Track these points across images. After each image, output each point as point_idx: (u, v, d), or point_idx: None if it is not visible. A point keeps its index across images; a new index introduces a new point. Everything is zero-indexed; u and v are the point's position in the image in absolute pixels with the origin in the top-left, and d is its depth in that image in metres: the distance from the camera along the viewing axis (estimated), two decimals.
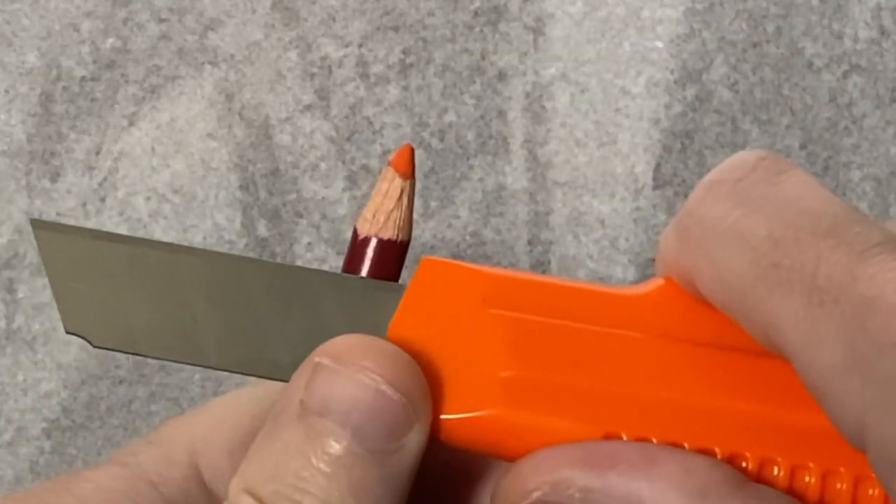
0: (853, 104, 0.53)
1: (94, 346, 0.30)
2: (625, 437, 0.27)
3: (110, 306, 0.30)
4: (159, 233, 0.55)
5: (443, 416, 0.28)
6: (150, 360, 0.54)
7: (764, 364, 0.27)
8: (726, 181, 0.27)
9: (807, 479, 0.27)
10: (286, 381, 0.28)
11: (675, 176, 0.53)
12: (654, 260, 0.53)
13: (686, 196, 0.53)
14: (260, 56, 0.55)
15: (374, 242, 0.30)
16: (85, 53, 0.55)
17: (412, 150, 0.30)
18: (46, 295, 0.55)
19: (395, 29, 0.55)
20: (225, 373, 0.56)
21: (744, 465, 0.27)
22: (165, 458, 0.31)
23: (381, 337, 0.28)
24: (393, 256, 0.30)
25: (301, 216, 0.54)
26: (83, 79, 0.55)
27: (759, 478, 0.26)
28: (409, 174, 0.30)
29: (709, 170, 0.56)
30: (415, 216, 0.54)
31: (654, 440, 0.27)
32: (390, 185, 0.30)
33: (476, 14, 0.54)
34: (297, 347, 0.29)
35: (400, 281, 0.30)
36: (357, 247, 0.30)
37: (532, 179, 0.54)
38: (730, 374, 0.27)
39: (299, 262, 0.54)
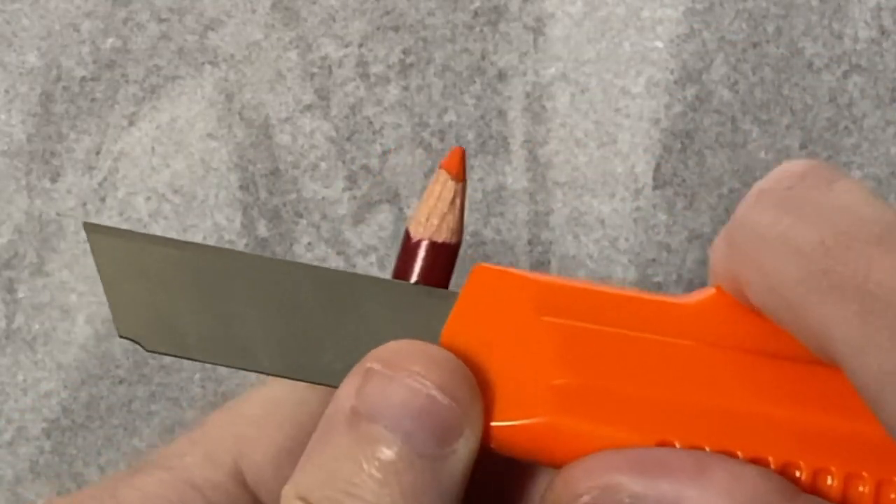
0: (853, 104, 0.53)
1: (147, 351, 0.30)
2: (677, 446, 0.27)
3: (163, 311, 0.30)
4: (159, 233, 0.55)
5: (493, 424, 0.28)
6: (149, 360, 0.54)
7: (816, 372, 0.27)
8: (776, 189, 0.26)
9: (861, 488, 0.26)
10: (337, 386, 0.28)
11: (675, 176, 0.53)
12: (654, 260, 0.53)
13: (686, 196, 0.53)
14: (260, 56, 0.55)
15: (426, 245, 0.30)
16: (85, 53, 0.55)
17: (463, 153, 0.30)
18: (47, 295, 0.55)
19: (395, 29, 0.55)
20: (226, 372, 0.56)
21: (797, 474, 0.26)
22: (210, 460, 0.31)
23: (434, 343, 0.28)
24: (445, 259, 0.30)
25: (301, 216, 0.54)
26: (83, 79, 0.55)
27: (812, 488, 0.26)
28: (462, 176, 0.30)
29: (709, 170, 0.57)
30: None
31: (707, 449, 0.27)
32: (443, 187, 0.30)
33: (476, 14, 0.54)
34: (349, 353, 0.29)
35: (450, 283, 0.30)
36: (409, 249, 0.30)
37: (532, 179, 0.54)
38: (782, 383, 0.27)
39: None
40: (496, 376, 0.28)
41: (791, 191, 0.26)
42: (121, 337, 0.29)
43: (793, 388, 0.27)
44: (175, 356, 0.30)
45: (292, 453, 0.28)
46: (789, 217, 0.26)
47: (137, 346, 0.29)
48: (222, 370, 0.54)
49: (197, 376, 0.54)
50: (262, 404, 0.32)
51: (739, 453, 0.27)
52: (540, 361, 0.28)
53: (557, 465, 0.28)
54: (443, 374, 0.27)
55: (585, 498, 0.27)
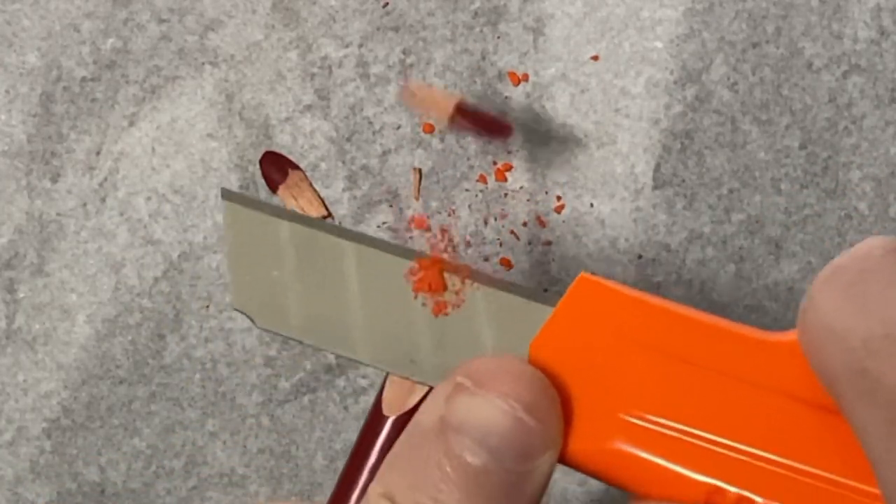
0: (853, 104, 0.53)
1: (257, 327, 0.30)
2: (730, 491, 0.27)
3: (278, 289, 0.30)
4: (160, 233, 0.55)
5: (570, 446, 0.28)
6: (149, 361, 0.54)
7: None
8: (850, 269, 0.26)
9: None
10: (427, 384, 0.29)
11: (675, 176, 0.53)
12: (654, 260, 0.53)
13: (686, 196, 0.53)
14: (260, 56, 0.55)
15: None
16: (85, 54, 0.55)
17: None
18: (47, 295, 0.55)
19: (395, 29, 0.55)
20: (226, 371, 0.56)
21: None
22: None
23: (524, 350, 0.29)
24: None
25: None
26: (83, 79, 0.55)
27: None
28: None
29: (709, 170, 0.56)
30: (416, 216, 0.54)
31: (758, 499, 0.27)
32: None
33: (476, 14, 0.54)
34: (445, 354, 0.29)
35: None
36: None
37: (532, 179, 0.54)
38: (846, 447, 0.27)
39: None
40: (578, 396, 0.29)
41: (861, 275, 0.25)
42: (235, 310, 0.30)
43: (856, 453, 0.27)
44: (281, 335, 0.30)
45: None
46: (850, 306, 0.25)
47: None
48: (222, 370, 0.54)
49: (197, 377, 0.54)
50: None
51: None
52: (622, 390, 0.28)
53: (621, 488, 0.29)
54: (531, 394, 0.28)
55: None
